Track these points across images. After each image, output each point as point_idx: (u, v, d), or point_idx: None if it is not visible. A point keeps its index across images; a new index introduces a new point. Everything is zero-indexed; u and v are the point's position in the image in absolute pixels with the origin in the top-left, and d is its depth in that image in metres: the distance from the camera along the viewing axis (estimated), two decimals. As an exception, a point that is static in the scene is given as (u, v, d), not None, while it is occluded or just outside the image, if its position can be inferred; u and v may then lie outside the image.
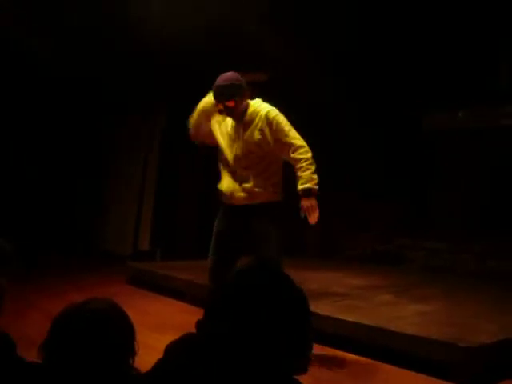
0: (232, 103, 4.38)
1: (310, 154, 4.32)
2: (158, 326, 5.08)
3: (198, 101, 4.70)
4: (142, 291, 6.93)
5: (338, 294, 5.68)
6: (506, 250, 7.31)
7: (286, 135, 4.36)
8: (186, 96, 8.88)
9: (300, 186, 4.28)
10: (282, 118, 4.42)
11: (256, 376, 1.45)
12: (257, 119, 4.43)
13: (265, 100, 4.59)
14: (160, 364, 1.61)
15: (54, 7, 7.15)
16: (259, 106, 4.49)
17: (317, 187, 4.28)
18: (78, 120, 9.59)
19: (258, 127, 4.40)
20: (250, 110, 4.48)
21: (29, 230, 8.90)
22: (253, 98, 4.59)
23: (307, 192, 4.25)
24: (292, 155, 4.34)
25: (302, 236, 9.35)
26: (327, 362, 4.27)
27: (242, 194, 4.46)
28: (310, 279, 6.12)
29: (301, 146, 4.34)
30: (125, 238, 9.43)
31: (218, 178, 4.69)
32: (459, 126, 8.25)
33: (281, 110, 4.49)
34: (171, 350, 1.62)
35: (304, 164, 4.30)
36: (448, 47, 7.98)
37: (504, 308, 5.30)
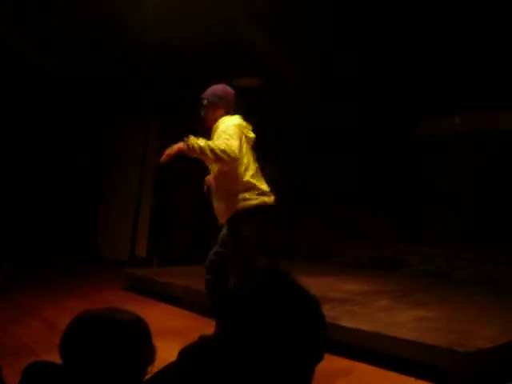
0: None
1: (220, 148, 4.33)
2: (156, 332, 5.01)
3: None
4: (140, 297, 6.91)
5: (336, 300, 5.66)
6: (502, 254, 7.31)
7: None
8: (182, 103, 8.94)
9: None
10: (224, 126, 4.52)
11: (269, 376, 1.45)
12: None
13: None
14: (173, 367, 1.60)
15: (53, 10, 7.14)
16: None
17: (191, 142, 4.31)
18: (74, 128, 9.59)
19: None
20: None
21: (26, 238, 8.90)
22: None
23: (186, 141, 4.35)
24: None
25: (295, 241, 9.36)
26: (326, 368, 4.25)
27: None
28: (306, 284, 6.09)
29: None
30: (122, 244, 9.42)
31: None
32: (453, 131, 8.26)
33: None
34: (186, 353, 1.61)
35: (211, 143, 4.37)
36: (442, 52, 8.00)
37: (501, 312, 5.29)
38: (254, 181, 4.66)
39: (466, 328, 4.65)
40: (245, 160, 4.63)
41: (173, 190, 9.49)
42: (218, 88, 4.74)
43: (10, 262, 7.72)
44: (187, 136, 4.35)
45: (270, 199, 4.71)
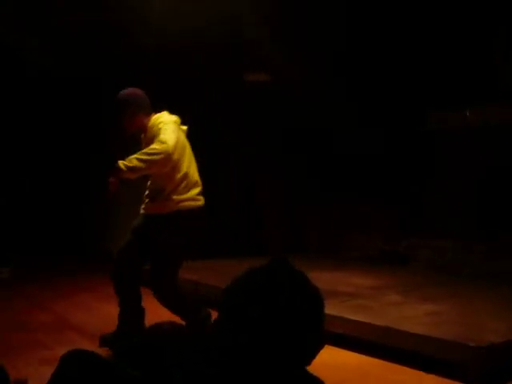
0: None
1: (148, 152, 4.24)
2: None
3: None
4: (149, 291, 6.91)
5: (346, 294, 5.65)
6: (512, 248, 7.27)
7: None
8: (190, 99, 8.95)
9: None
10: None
11: (269, 372, 1.45)
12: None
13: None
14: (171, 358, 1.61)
15: (54, 9, 7.15)
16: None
17: (123, 166, 4.18)
18: (82, 124, 9.60)
19: None
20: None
21: (38, 234, 8.94)
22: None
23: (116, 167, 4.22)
24: None
25: (304, 235, 9.35)
26: (336, 362, 4.25)
27: None
28: (315, 279, 6.01)
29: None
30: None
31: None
32: (464, 126, 8.20)
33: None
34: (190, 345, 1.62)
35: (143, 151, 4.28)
36: (450, 45, 7.93)
37: (512, 307, 5.27)
38: (196, 177, 4.62)
39: (476, 322, 4.64)
40: (187, 158, 4.58)
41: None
42: (129, 94, 4.59)
43: (17, 259, 7.76)
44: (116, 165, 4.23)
45: (203, 200, 4.66)
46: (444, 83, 8.03)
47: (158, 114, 4.59)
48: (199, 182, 4.64)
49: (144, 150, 4.24)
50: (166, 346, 1.86)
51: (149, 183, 4.71)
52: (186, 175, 4.50)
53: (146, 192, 4.74)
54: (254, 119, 9.25)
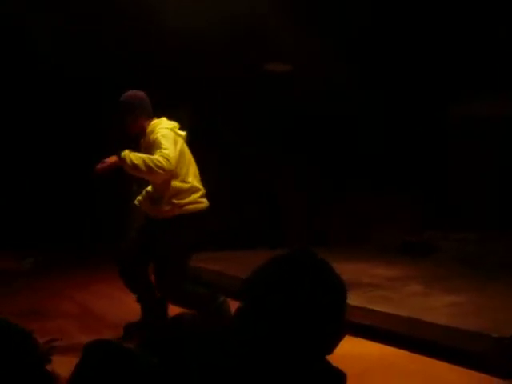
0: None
1: (156, 163, 4.27)
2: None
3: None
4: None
5: (369, 285, 5.66)
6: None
7: None
8: (211, 93, 8.97)
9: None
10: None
11: (290, 362, 1.46)
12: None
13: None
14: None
15: (66, 4, 7.18)
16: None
17: (122, 155, 4.27)
18: (103, 119, 9.66)
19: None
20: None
21: (56, 224, 9.02)
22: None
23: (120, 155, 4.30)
24: None
25: (327, 227, 9.34)
26: (359, 353, 4.27)
27: None
28: (338, 269, 6.04)
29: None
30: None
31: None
32: (487, 114, 8.13)
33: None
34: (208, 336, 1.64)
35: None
36: (473, 34, 7.83)
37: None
38: (195, 183, 4.68)
39: (499, 314, 4.62)
40: (186, 164, 4.64)
41: (206, 176, 9.53)
42: (131, 96, 4.64)
43: (39, 250, 7.85)
44: (122, 154, 4.31)
45: (207, 203, 4.75)
46: (466, 72, 7.96)
47: (157, 121, 4.64)
48: (200, 186, 4.73)
49: (153, 157, 4.28)
50: (185, 336, 1.88)
51: (149, 187, 4.78)
52: (184, 181, 4.58)
53: (146, 191, 4.79)
54: (274, 109, 9.25)
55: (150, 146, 4.45)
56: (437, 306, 4.86)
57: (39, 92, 9.08)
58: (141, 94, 4.66)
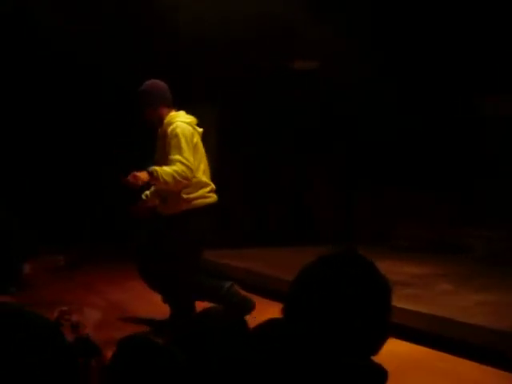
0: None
1: (182, 175, 4.39)
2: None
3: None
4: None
5: (398, 283, 5.60)
6: None
7: None
8: (240, 88, 8.97)
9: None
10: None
11: (334, 361, 1.46)
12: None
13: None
14: (246, 345, 1.64)
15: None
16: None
17: (155, 174, 4.34)
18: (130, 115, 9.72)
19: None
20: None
21: (92, 221, 9.10)
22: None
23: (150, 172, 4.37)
24: None
25: (356, 224, 9.30)
26: (388, 351, 4.25)
27: None
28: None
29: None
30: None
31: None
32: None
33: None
34: (257, 332, 1.64)
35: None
36: (503, 27, 7.70)
37: None
38: (204, 178, 4.71)
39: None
40: (198, 159, 4.66)
41: (231, 174, 9.55)
42: (149, 86, 4.68)
43: (72, 248, 7.92)
44: (153, 169, 4.39)
45: (215, 197, 4.79)
46: (494, 68, 7.85)
47: (175, 113, 4.67)
48: (209, 181, 4.78)
49: (179, 170, 4.38)
50: (209, 331, 1.89)
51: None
52: (193, 176, 4.60)
53: (154, 189, 4.82)
54: (302, 106, 9.23)
55: (166, 138, 4.51)
56: (466, 305, 4.82)
57: (55, 89, 9.16)
58: (161, 83, 4.70)
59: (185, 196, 4.55)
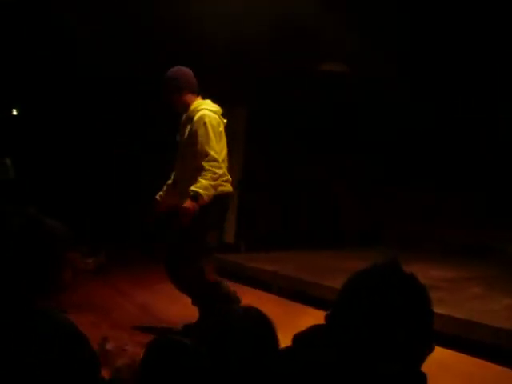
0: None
1: (217, 173, 4.43)
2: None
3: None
4: (229, 283, 7.01)
5: (426, 286, 5.57)
6: None
7: None
8: (268, 90, 8.98)
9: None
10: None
11: (382, 369, 1.48)
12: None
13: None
14: (289, 353, 1.66)
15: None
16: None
17: (200, 198, 4.37)
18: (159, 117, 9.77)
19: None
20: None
21: (120, 224, 9.17)
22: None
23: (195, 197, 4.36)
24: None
25: (381, 226, 9.25)
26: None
27: None
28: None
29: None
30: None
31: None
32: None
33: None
34: (300, 339, 1.66)
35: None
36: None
37: None
38: (224, 167, 4.66)
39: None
40: (220, 147, 4.63)
41: (258, 178, 9.57)
42: (175, 72, 4.66)
43: (102, 250, 7.99)
44: (194, 193, 4.38)
45: (230, 188, 4.76)
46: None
47: (202, 101, 4.67)
48: (226, 171, 4.70)
49: (213, 175, 4.41)
50: (231, 331, 1.91)
51: (170, 181, 4.86)
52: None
53: (168, 185, 4.89)
54: (329, 108, 9.23)
55: (192, 124, 4.51)
56: (496, 309, 4.77)
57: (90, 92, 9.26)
58: (186, 69, 4.69)
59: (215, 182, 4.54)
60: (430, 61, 8.28)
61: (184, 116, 4.70)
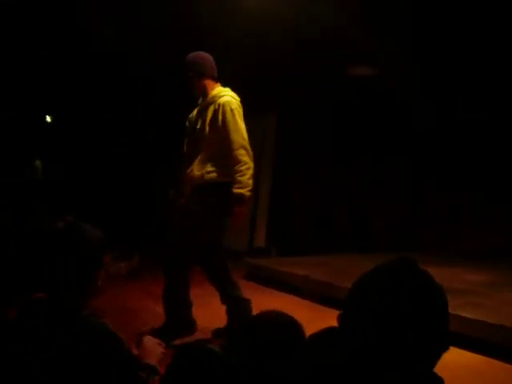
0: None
1: (247, 163, 4.34)
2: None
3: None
4: (259, 287, 7.02)
5: (459, 291, 5.52)
6: None
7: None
8: (297, 95, 8.99)
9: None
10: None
11: (395, 370, 1.46)
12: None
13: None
14: (302, 354, 1.65)
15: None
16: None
17: (246, 196, 4.30)
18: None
19: None
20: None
21: (154, 227, 9.25)
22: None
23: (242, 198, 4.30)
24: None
25: (414, 229, 9.18)
26: (448, 360, 4.18)
27: None
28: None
29: None
30: (241, 235, 9.60)
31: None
32: None
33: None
34: (314, 340, 1.66)
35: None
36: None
37: None
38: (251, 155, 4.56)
39: None
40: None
41: (291, 182, 9.58)
42: (196, 56, 4.57)
43: (138, 253, 8.05)
44: (238, 195, 4.30)
45: None
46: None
47: (222, 88, 4.60)
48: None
49: (247, 166, 4.34)
50: (267, 336, 1.91)
51: (187, 159, 4.70)
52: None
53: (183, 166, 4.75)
54: (361, 113, 9.20)
55: (215, 109, 4.43)
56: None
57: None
58: (206, 54, 4.62)
59: (219, 170, 4.48)
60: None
61: (202, 101, 4.63)
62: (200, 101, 4.68)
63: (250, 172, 4.34)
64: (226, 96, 4.50)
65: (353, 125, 9.26)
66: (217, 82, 4.63)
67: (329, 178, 9.49)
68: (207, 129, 4.47)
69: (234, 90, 4.66)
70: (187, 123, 4.78)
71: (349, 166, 9.49)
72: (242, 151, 4.35)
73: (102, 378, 1.96)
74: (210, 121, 4.47)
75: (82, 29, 7.85)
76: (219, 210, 4.46)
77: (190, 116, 4.77)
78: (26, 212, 7.41)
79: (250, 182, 4.33)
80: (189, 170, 4.52)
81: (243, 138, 4.39)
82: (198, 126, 4.55)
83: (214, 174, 4.45)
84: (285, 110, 9.31)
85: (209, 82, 4.57)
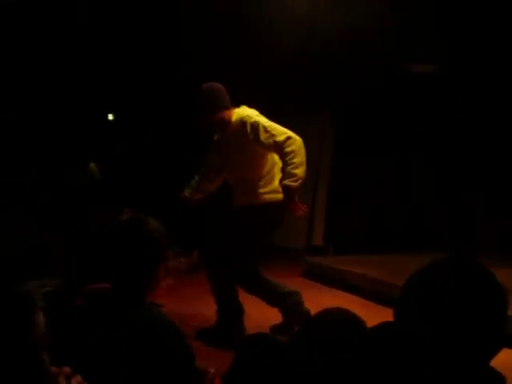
0: None
1: (293, 151, 4.23)
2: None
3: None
4: (317, 285, 7.03)
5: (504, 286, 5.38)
6: None
7: None
8: (352, 95, 8.93)
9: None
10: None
11: (450, 368, 1.46)
12: None
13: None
14: (361, 348, 1.67)
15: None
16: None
17: (298, 185, 4.16)
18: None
19: None
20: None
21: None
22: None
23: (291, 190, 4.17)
24: None
25: (471, 228, 9.02)
26: (502, 361, 4.10)
27: None
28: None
29: None
30: (298, 233, 9.61)
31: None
32: None
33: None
34: (371, 336, 1.67)
35: None
36: None
37: None
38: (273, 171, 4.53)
39: None
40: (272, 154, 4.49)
41: (348, 180, 9.54)
42: (208, 89, 4.46)
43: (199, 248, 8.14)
44: (283, 186, 4.20)
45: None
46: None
47: (240, 109, 4.51)
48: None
49: (289, 158, 4.19)
50: (332, 333, 1.92)
51: (227, 174, 4.74)
52: (273, 166, 4.51)
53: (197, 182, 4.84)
54: (419, 111, 9.10)
55: (245, 133, 4.33)
56: None
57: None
58: (216, 85, 4.49)
59: (261, 189, 4.44)
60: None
61: (224, 131, 4.53)
62: (218, 133, 4.64)
63: (296, 160, 4.16)
64: (247, 115, 4.40)
65: (411, 125, 9.17)
66: (231, 108, 4.51)
67: (387, 175, 9.42)
68: (241, 150, 4.42)
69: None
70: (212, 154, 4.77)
71: (407, 163, 9.41)
72: (288, 142, 4.24)
73: (160, 364, 2.02)
74: (240, 147, 4.41)
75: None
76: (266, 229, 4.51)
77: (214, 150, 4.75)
78: (88, 208, 7.59)
79: (297, 171, 4.14)
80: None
81: (283, 132, 4.29)
82: (224, 152, 4.57)
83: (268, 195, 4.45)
84: (343, 105, 9.27)
85: (224, 112, 4.47)
